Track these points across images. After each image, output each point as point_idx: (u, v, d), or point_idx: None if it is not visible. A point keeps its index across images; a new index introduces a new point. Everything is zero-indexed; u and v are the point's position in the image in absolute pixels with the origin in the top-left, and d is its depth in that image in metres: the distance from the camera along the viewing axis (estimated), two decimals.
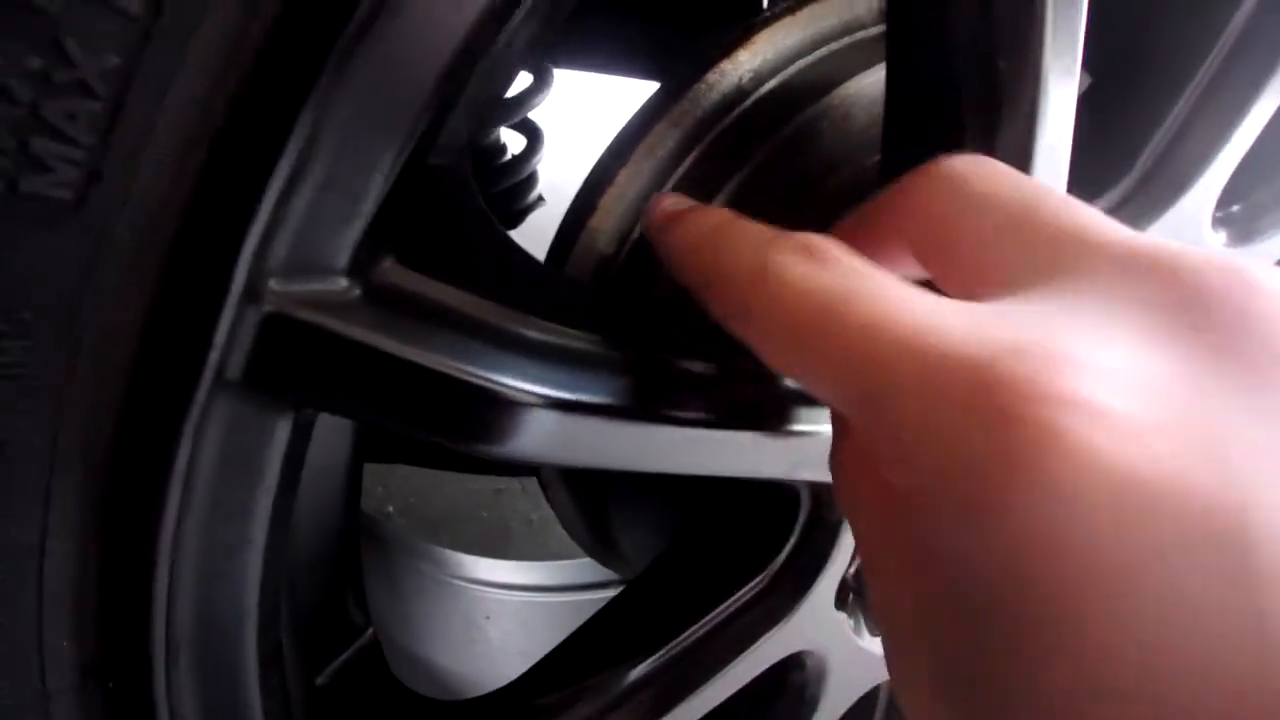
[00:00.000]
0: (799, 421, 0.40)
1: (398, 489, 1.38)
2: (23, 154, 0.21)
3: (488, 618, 0.86)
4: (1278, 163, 0.55)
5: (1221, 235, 0.52)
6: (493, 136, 0.87)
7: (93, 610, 0.27)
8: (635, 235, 0.53)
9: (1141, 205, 0.47)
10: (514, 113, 0.82)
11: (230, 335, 0.24)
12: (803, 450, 0.40)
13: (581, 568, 0.90)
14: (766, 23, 0.53)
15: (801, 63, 0.53)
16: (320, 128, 0.22)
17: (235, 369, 0.25)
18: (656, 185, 0.52)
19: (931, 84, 0.37)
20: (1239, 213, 0.54)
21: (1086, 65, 0.49)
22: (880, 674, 0.62)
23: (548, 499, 0.65)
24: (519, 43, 0.31)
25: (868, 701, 0.66)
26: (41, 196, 0.21)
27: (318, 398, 0.27)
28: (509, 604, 0.90)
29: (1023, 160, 0.36)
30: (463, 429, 0.28)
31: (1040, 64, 0.33)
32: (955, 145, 0.38)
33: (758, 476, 0.38)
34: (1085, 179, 0.48)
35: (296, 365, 0.25)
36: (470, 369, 0.27)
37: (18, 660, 0.27)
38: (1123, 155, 0.47)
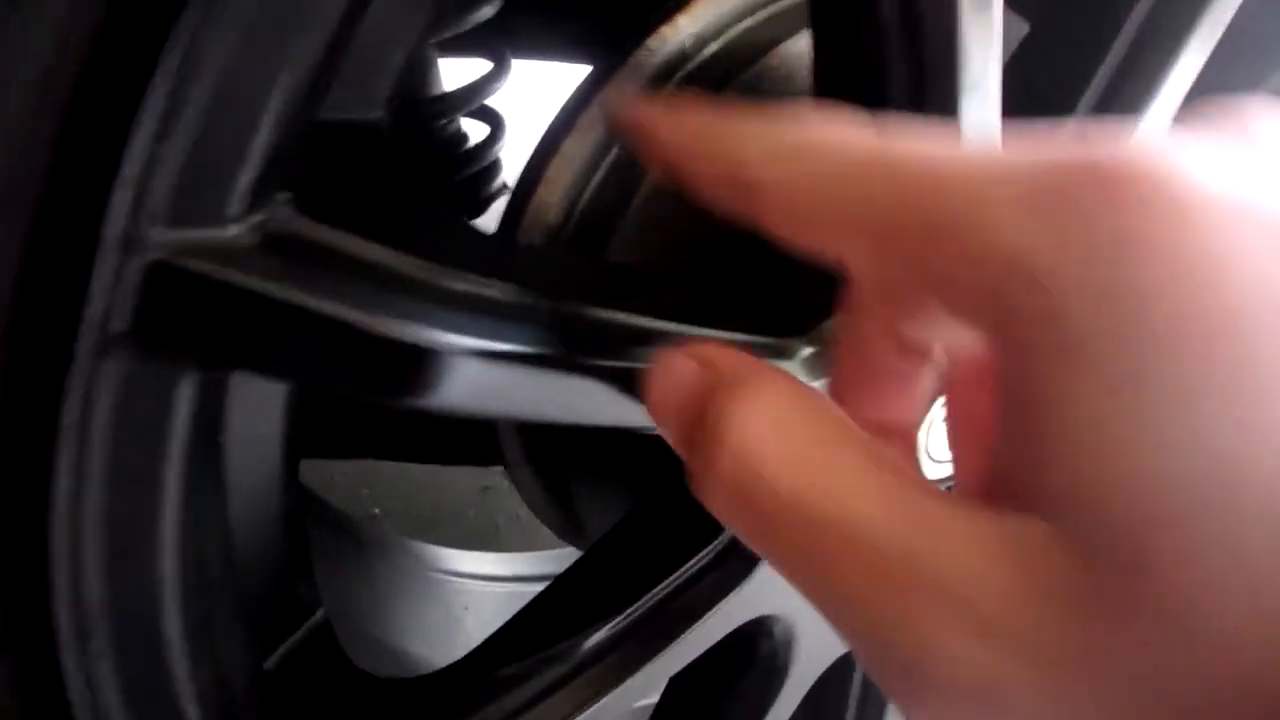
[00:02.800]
0: None
1: (383, 491, 1.38)
2: None
3: (466, 609, 0.85)
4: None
5: None
6: (453, 125, 0.87)
7: None
8: (583, 204, 0.53)
9: None
10: (469, 100, 0.82)
11: (111, 287, 0.23)
12: None
13: (560, 558, 0.89)
14: None
15: (743, 24, 0.53)
16: (193, 63, 0.22)
17: (120, 323, 0.24)
18: (602, 153, 0.52)
19: (855, 38, 0.37)
20: None
21: (1021, 12, 0.49)
22: None
23: (513, 481, 0.64)
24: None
25: (843, 673, 0.66)
26: None
27: (218, 353, 0.26)
28: (489, 595, 0.89)
29: (949, 108, 0.36)
30: (371, 380, 0.28)
31: (958, 9, 0.33)
32: (881, 101, 0.37)
33: None
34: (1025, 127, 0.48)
35: (189, 318, 0.25)
36: (375, 317, 0.27)
37: None
38: (1059, 103, 0.47)
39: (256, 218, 0.25)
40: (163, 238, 0.24)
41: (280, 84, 0.24)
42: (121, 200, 0.23)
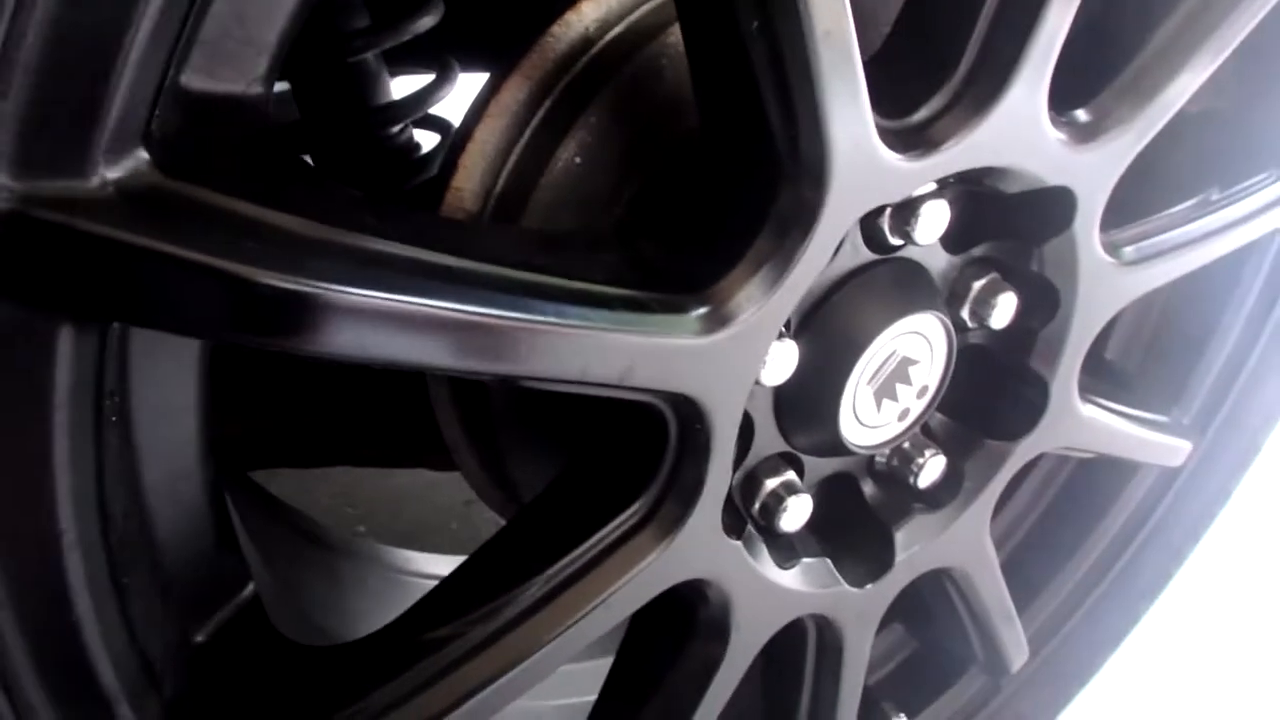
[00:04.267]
0: (633, 326, 0.41)
1: (366, 507, 1.39)
2: None
3: None
4: (1115, 59, 0.56)
5: (1063, 134, 0.54)
6: (404, 134, 0.89)
7: None
8: (499, 189, 0.55)
9: (969, 105, 0.49)
10: (415, 108, 0.85)
11: None
12: (636, 355, 0.41)
13: None
14: None
15: (646, 7, 0.55)
16: (18, 28, 0.24)
17: None
18: (513, 138, 0.54)
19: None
20: (1082, 113, 0.55)
21: None
22: (796, 608, 0.62)
23: (459, 466, 0.66)
24: None
25: (796, 640, 0.66)
26: None
27: (85, 302, 0.28)
28: None
29: (803, 51, 0.38)
30: (245, 326, 0.29)
31: None
32: (740, 52, 0.39)
33: (584, 380, 0.39)
34: (913, 83, 0.49)
35: (50, 267, 0.27)
36: (229, 261, 0.28)
37: None
38: (945, 56, 0.49)
39: (113, 171, 0.27)
40: (15, 187, 0.25)
41: (119, 49, 0.26)
42: None
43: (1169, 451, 0.82)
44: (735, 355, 0.46)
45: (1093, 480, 0.91)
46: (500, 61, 0.94)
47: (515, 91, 0.54)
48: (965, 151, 0.49)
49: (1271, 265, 0.85)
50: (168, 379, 0.37)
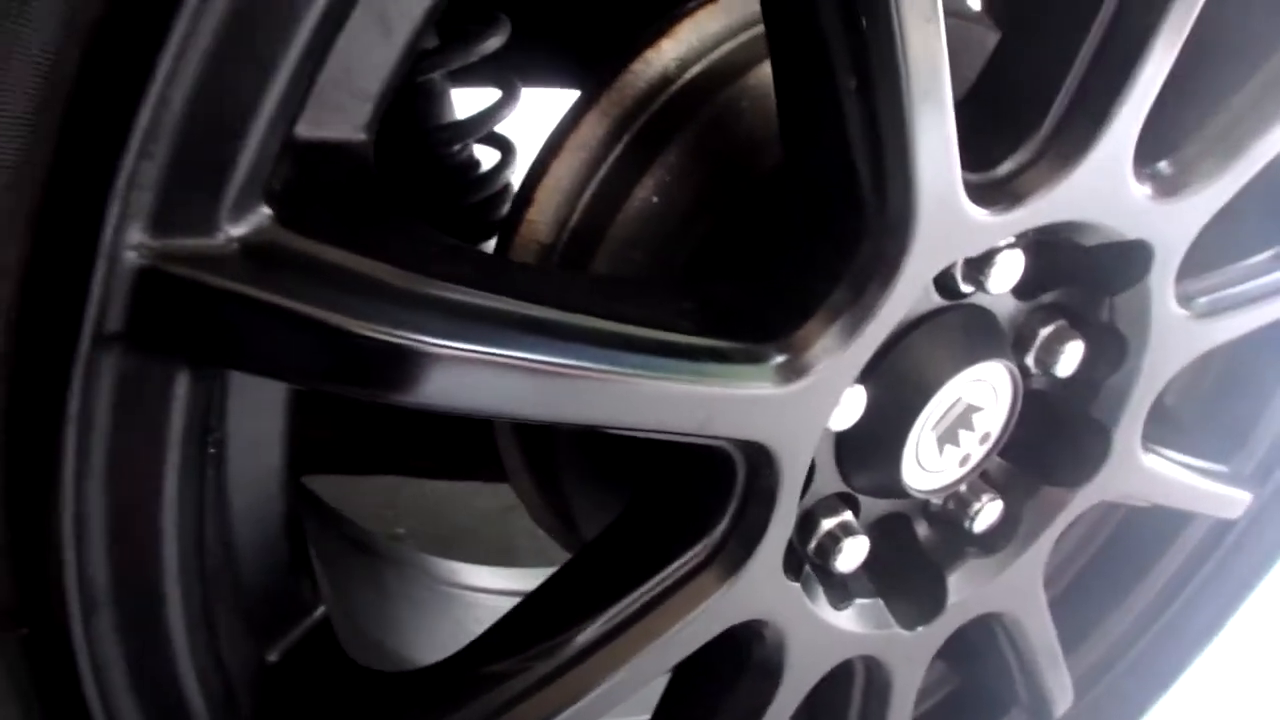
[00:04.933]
0: (712, 376, 0.41)
1: (406, 510, 1.41)
2: None
3: (478, 622, 0.87)
4: (1202, 111, 0.55)
5: (1147, 188, 0.53)
6: (465, 152, 0.90)
7: (6, 560, 0.29)
8: (573, 223, 0.55)
9: (1055, 159, 0.48)
10: (479, 127, 0.85)
11: (105, 291, 0.26)
12: (715, 405, 0.41)
13: None
14: (690, 12, 0.56)
15: (725, 47, 0.55)
16: (167, 94, 0.24)
17: (115, 323, 0.27)
18: (590, 174, 0.54)
19: (805, 51, 0.39)
20: (1167, 166, 0.54)
21: (993, 16, 0.50)
22: (848, 648, 0.62)
23: (514, 490, 0.66)
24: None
25: (843, 681, 0.66)
26: None
27: (206, 351, 0.29)
28: (502, 609, 0.91)
29: (900, 111, 0.38)
30: (353, 377, 0.30)
31: (899, 13, 0.35)
32: (836, 109, 0.39)
33: (662, 429, 0.39)
34: (998, 134, 0.49)
35: (177, 319, 0.27)
36: (345, 318, 0.29)
37: None
38: (1033, 108, 0.48)
39: (238, 228, 0.28)
40: (150, 245, 0.26)
41: (254, 113, 0.26)
42: (112, 212, 0.25)
43: (1228, 504, 0.81)
44: (809, 405, 0.46)
45: (1149, 523, 0.89)
46: (568, 80, 0.94)
47: (593, 127, 0.54)
48: (1049, 206, 0.48)
49: None
50: (260, 414, 0.38)
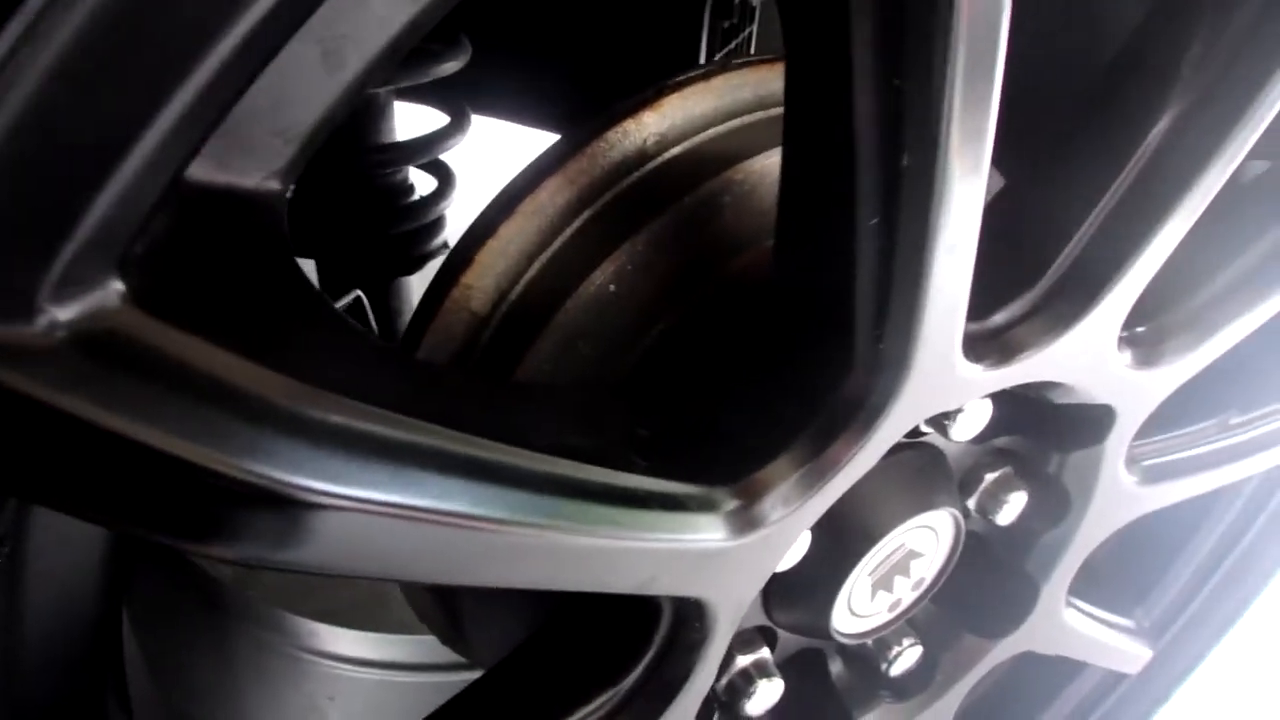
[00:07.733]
0: (661, 529, 0.35)
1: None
2: None
3: (331, 699, 0.77)
4: (1186, 286, 0.53)
5: (1126, 355, 0.50)
6: (399, 175, 0.82)
7: None
8: (513, 296, 0.48)
9: (1049, 318, 0.45)
10: (422, 153, 0.78)
11: None
12: (660, 563, 0.35)
13: (436, 644, 0.82)
14: (678, 86, 0.50)
15: (710, 132, 0.50)
16: None
17: None
18: (542, 244, 0.48)
19: (827, 173, 0.34)
20: (1145, 334, 0.52)
21: (999, 166, 0.47)
22: None
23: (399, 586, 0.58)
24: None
25: None
26: None
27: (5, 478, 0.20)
28: (360, 683, 0.81)
29: (920, 261, 0.33)
30: (201, 531, 0.22)
31: (945, 160, 0.30)
32: (848, 240, 0.34)
33: (606, 590, 0.33)
34: (993, 284, 0.45)
35: None
36: (213, 452, 0.21)
37: None
38: (1033, 263, 0.44)
39: (71, 309, 0.20)
40: None
41: (110, 156, 0.19)
42: None
43: (1130, 659, 0.79)
44: (758, 559, 0.40)
45: (1040, 670, 0.87)
46: (529, 118, 0.87)
47: (554, 193, 0.48)
48: (1037, 366, 0.45)
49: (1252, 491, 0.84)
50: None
